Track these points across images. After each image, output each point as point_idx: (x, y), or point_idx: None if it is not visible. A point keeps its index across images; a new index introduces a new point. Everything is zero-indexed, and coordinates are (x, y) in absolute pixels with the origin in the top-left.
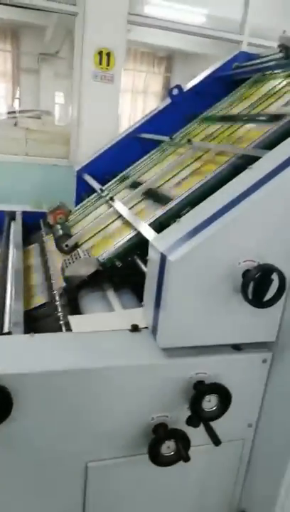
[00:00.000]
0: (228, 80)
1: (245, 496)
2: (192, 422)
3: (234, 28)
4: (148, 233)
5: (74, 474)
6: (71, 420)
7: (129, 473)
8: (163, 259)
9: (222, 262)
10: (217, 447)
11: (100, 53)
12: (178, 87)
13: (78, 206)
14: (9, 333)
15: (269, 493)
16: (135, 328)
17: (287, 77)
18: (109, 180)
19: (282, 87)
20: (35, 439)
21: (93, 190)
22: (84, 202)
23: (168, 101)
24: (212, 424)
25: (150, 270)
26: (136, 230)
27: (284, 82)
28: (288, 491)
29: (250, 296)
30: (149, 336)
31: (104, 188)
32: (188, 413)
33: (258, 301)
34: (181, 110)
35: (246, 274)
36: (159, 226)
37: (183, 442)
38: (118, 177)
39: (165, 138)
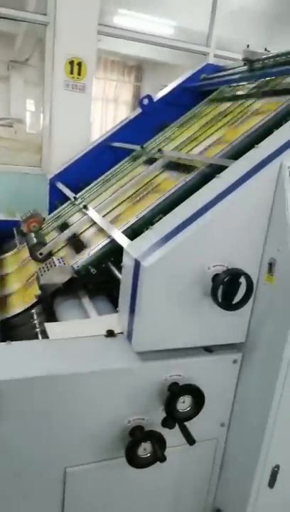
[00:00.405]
0: (196, 90)
1: (219, 494)
2: (167, 423)
3: (202, 40)
4: (122, 240)
5: (52, 480)
6: (49, 426)
7: (106, 476)
8: (137, 265)
9: (192, 267)
10: (192, 447)
11: (71, 63)
12: (148, 97)
13: (52, 214)
14: None
15: (242, 490)
16: (110, 334)
17: (251, 89)
18: (83, 188)
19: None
20: (12, 445)
21: (66, 199)
22: (57, 210)
23: (139, 110)
24: (187, 424)
25: (124, 276)
26: (110, 237)
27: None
28: (260, 488)
29: (220, 300)
30: (124, 340)
31: (77, 196)
32: (164, 415)
33: (227, 304)
34: (152, 120)
35: (215, 278)
36: (133, 233)
37: (159, 443)
38: (91, 185)
39: (137, 147)
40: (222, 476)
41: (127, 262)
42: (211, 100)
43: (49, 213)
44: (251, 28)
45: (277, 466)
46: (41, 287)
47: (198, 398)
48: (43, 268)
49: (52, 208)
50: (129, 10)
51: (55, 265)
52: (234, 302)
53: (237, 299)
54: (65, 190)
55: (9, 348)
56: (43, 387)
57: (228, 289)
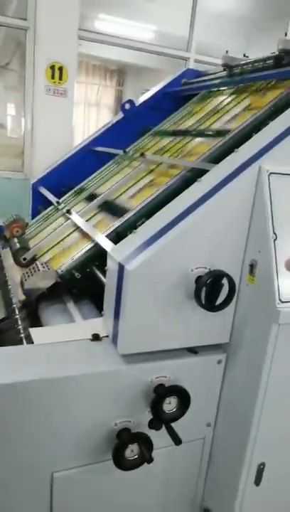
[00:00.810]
0: (177, 95)
1: (207, 493)
2: (153, 424)
3: (182, 45)
4: (106, 244)
5: (40, 485)
6: (35, 431)
7: (94, 480)
8: (121, 268)
9: (175, 269)
10: (179, 447)
11: (52, 67)
12: (130, 101)
13: (35, 219)
14: None
15: (229, 489)
16: (96, 337)
17: (231, 94)
18: (66, 193)
19: (226, 104)
20: (6, 447)
21: (49, 203)
22: (40, 215)
23: (121, 115)
24: (173, 425)
25: (109, 280)
26: (93, 241)
27: (229, 99)
28: (246, 486)
29: (203, 301)
30: (110, 344)
31: (60, 200)
32: (150, 416)
33: (211, 305)
34: (134, 124)
35: (198, 280)
36: (116, 237)
37: (146, 445)
38: (73, 190)
39: (119, 151)
40: (209, 475)
41: (111, 265)
42: (193, 104)
43: (32, 218)
44: (229, 34)
45: (263, 464)
46: (26, 292)
47: (184, 399)
48: (27, 273)
49: (35, 212)
50: (109, 15)
51: (38, 270)
52: (217, 303)
53: (219, 300)
54: (48, 194)
55: None
56: (28, 392)
57: (211, 290)
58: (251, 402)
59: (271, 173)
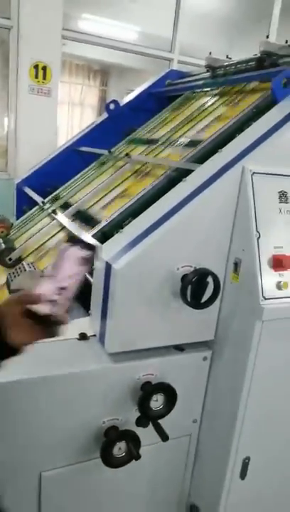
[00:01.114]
0: (161, 96)
1: (194, 490)
2: (141, 422)
3: (166, 46)
4: (93, 243)
5: (27, 486)
6: (23, 431)
7: (82, 478)
8: (108, 267)
9: (162, 268)
10: (166, 444)
11: (36, 67)
12: (115, 101)
13: (20, 219)
14: None
15: (215, 484)
16: (83, 337)
17: (214, 96)
18: (51, 193)
19: (209, 106)
20: None
21: (34, 203)
22: (25, 215)
23: (106, 115)
24: (160, 422)
25: (96, 279)
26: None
27: (212, 101)
28: (232, 480)
29: (189, 299)
30: (97, 343)
31: (45, 200)
32: (138, 414)
33: (196, 303)
34: (118, 124)
35: (184, 278)
36: (103, 236)
37: (134, 442)
38: (52, 195)
39: (104, 151)
40: (195, 471)
41: (98, 264)
42: (176, 106)
43: (17, 218)
44: (212, 35)
45: (247, 458)
46: (11, 292)
47: (171, 396)
48: (13, 273)
49: (19, 212)
50: (93, 15)
51: (25, 270)
52: (202, 301)
53: (205, 297)
54: (33, 194)
55: None
56: (16, 392)
57: (196, 288)
58: (236, 398)
59: (254, 172)
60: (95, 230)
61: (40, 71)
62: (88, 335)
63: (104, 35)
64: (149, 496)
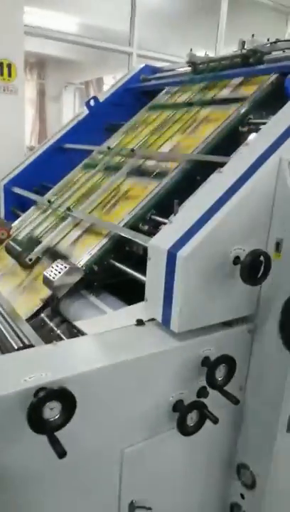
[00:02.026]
0: (137, 91)
1: (241, 450)
2: (203, 392)
3: (124, 40)
4: (132, 234)
5: (110, 464)
6: (107, 413)
7: (156, 450)
8: (171, 256)
9: (218, 252)
10: (219, 410)
11: (0, 65)
12: (95, 98)
13: (19, 220)
14: (31, 345)
15: (265, 440)
16: (140, 322)
17: (201, 90)
18: (39, 192)
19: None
20: (78, 435)
21: (23, 204)
22: (25, 215)
23: (86, 112)
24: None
25: (152, 268)
26: (107, 235)
27: (199, 95)
28: (281, 434)
29: (247, 277)
30: (154, 326)
31: (51, 199)
32: (198, 386)
33: (254, 279)
34: (97, 120)
35: (244, 259)
36: (130, 228)
37: (207, 409)
38: (50, 194)
39: (93, 147)
40: (242, 433)
41: (156, 254)
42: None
43: (5, 219)
44: (164, 28)
45: None
46: (55, 289)
47: (232, 366)
48: (52, 271)
49: (8, 213)
50: (46, 9)
51: (65, 267)
52: (258, 277)
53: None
54: (29, 194)
55: (59, 347)
56: (96, 379)
57: (253, 267)
58: (284, 360)
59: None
60: (122, 224)
61: (5, 69)
62: (144, 320)
63: (53, 28)
64: (206, 461)
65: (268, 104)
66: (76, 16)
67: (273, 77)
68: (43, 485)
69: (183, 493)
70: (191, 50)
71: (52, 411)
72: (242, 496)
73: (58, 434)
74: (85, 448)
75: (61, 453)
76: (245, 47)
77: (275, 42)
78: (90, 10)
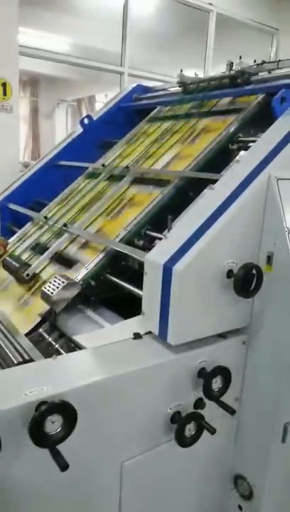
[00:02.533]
0: (130, 109)
1: (237, 461)
2: (200, 404)
3: (116, 60)
4: (128, 250)
5: (110, 478)
6: (105, 427)
7: (155, 462)
8: (166, 270)
9: (212, 266)
10: (215, 422)
11: None
12: (88, 116)
13: (16, 236)
14: (31, 360)
15: (260, 451)
16: (138, 336)
17: (190, 110)
18: (34, 209)
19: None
20: (78, 448)
21: (18, 220)
22: (21, 231)
23: (80, 130)
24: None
25: (148, 282)
26: (103, 250)
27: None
28: (276, 445)
29: (240, 289)
30: (151, 339)
31: (47, 215)
32: (195, 398)
33: (246, 292)
34: (91, 138)
35: (237, 272)
36: (125, 243)
37: (204, 420)
38: (45, 210)
39: (89, 164)
40: (237, 445)
41: (152, 269)
42: (152, 118)
43: (1, 235)
44: (154, 49)
45: (287, 423)
46: (53, 303)
47: (228, 376)
48: (50, 286)
49: (4, 230)
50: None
51: (63, 282)
52: (250, 290)
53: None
54: (26, 211)
55: (58, 361)
56: (95, 392)
57: (245, 280)
58: (278, 372)
59: (278, 179)
60: (117, 239)
61: (1, 88)
62: (141, 334)
63: (46, 48)
64: (203, 472)
65: (256, 122)
66: (69, 37)
67: (260, 97)
68: (44, 498)
69: (182, 504)
70: (181, 71)
71: (53, 424)
72: (240, 507)
73: (58, 447)
74: (85, 461)
75: (63, 466)
76: (233, 68)
77: (261, 63)
78: (83, 31)
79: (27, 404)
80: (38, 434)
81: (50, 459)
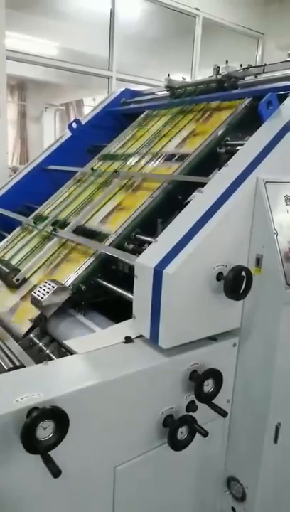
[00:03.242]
0: (118, 113)
1: (230, 463)
2: (192, 407)
3: (103, 65)
4: (118, 253)
5: (103, 482)
6: (98, 431)
7: (148, 465)
8: (157, 273)
9: (202, 269)
10: (207, 424)
11: None
12: (77, 121)
13: (4, 242)
14: (22, 366)
15: (252, 452)
16: (129, 340)
17: (179, 114)
18: (23, 213)
19: (174, 125)
20: (70, 454)
21: (7, 224)
22: (10, 236)
23: (69, 134)
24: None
25: (139, 285)
26: (93, 254)
27: (176, 119)
28: (268, 445)
29: (230, 292)
30: (142, 343)
31: (36, 220)
32: (187, 401)
33: (236, 294)
34: (80, 142)
35: (227, 275)
36: (116, 247)
37: (196, 423)
38: (34, 215)
39: (77, 169)
40: (229, 447)
41: (142, 272)
42: (140, 123)
43: None
44: (142, 53)
45: (279, 423)
46: (43, 308)
47: (219, 379)
48: (40, 291)
49: None
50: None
51: (53, 287)
52: (240, 292)
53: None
54: (15, 215)
55: (50, 367)
56: (87, 397)
57: (235, 282)
58: (268, 374)
59: (266, 181)
60: (107, 243)
61: None
62: (132, 337)
63: (32, 52)
64: (196, 475)
65: (243, 126)
66: (56, 41)
67: (247, 100)
68: (37, 504)
69: (175, 507)
70: (169, 75)
71: (45, 430)
72: (233, 509)
73: (50, 453)
74: (78, 467)
75: (56, 472)
76: (220, 72)
77: (247, 68)
78: (70, 35)
79: (18, 411)
80: (29, 441)
81: (42, 465)
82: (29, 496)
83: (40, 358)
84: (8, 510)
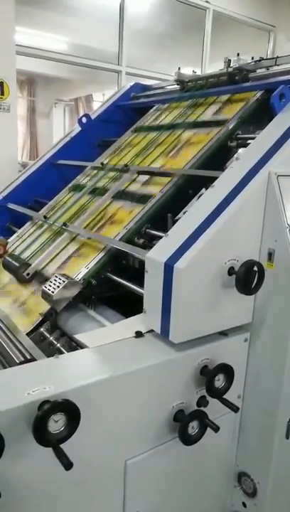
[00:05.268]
0: (128, 108)
1: (240, 459)
2: (203, 402)
3: (113, 59)
4: (128, 248)
5: (114, 476)
6: (109, 425)
7: (159, 460)
8: (168, 268)
9: (213, 264)
10: (218, 419)
11: None
12: (87, 115)
13: (15, 236)
14: (33, 359)
15: (264, 448)
16: (139, 334)
17: (190, 107)
18: (34, 208)
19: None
20: (81, 447)
21: (18, 220)
22: (21, 231)
23: (79, 129)
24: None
25: (150, 280)
26: (104, 249)
27: (188, 112)
28: (280, 441)
29: (242, 287)
30: (153, 338)
31: (46, 214)
32: (198, 396)
33: (248, 289)
34: (90, 137)
35: (238, 269)
36: (126, 242)
37: (207, 418)
38: (45, 209)
39: (87, 163)
40: (240, 442)
41: (153, 267)
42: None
43: (1, 235)
44: (152, 47)
45: None
46: (54, 303)
47: (231, 374)
48: (50, 285)
49: (3, 229)
50: (38, 30)
51: (63, 281)
52: (252, 287)
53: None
54: (25, 210)
55: (61, 360)
56: (99, 391)
57: (247, 277)
58: (280, 369)
59: (278, 175)
60: (118, 237)
61: None
62: (143, 332)
63: (42, 47)
64: (207, 470)
65: (254, 119)
66: (66, 36)
67: (258, 93)
68: (48, 496)
69: (185, 501)
70: (179, 68)
71: (57, 423)
72: (244, 505)
73: (62, 446)
74: (88, 460)
75: (67, 464)
76: (231, 65)
77: (259, 60)
78: (80, 29)
79: (30, 404)
80: (41, 434)
81: (54, 457)
82: (40, 488)
83: (50, 351)
84: (20, 502)
